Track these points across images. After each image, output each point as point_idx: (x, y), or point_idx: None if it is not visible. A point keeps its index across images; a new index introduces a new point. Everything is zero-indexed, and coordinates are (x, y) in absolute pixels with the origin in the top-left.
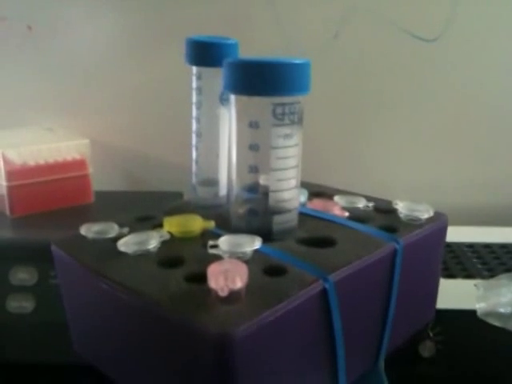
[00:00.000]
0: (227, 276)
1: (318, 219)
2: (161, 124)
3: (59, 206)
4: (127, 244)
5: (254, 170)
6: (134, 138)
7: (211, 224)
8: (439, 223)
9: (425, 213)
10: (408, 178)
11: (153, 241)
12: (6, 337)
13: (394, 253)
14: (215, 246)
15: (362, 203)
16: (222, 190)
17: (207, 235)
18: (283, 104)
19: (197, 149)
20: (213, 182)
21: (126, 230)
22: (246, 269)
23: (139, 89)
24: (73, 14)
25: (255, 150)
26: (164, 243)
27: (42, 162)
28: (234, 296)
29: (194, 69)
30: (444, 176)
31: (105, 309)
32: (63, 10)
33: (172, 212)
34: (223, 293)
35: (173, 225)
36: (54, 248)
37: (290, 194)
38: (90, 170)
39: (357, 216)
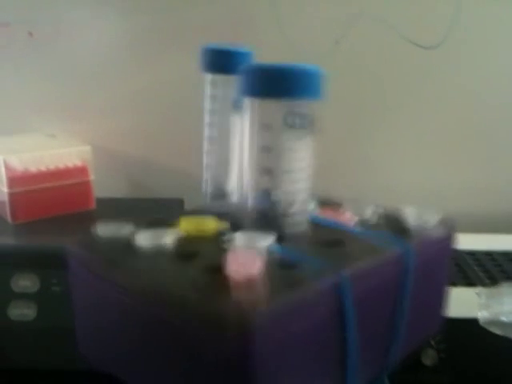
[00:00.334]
0: (244, 261)
1: (329, 226)
2: (163, 130)
3: (61, 212)
4: (144, 238)
5: (268, 172)
6: (137, 143)
7: (225, 225)
8: (448, 229)
9: (433, 218)
10: (410, 183)
11: (169, 236)
12: (8, 344)
13: (405, 256)
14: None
15: (370, 210)
16: (233, 196)
17: (221, 235)
18: (299, 107)
19: (210, 155)
20: (224, 188)
21: (129, 228)
22: (262, 257)
23: (141, 94)
24: (75, 19)
25: (268, 152)
26: (180, 240)
27: (43, 168)
28: (251, 282)
29: (209, 76)
30: (446, 182)
31: (120, 305)
32: (65, 15)
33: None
34: (239, 276)
35: (189, 223)
36: (68, 247)
37: (301, 196)
38: (92, 176)
39: (366, 222)
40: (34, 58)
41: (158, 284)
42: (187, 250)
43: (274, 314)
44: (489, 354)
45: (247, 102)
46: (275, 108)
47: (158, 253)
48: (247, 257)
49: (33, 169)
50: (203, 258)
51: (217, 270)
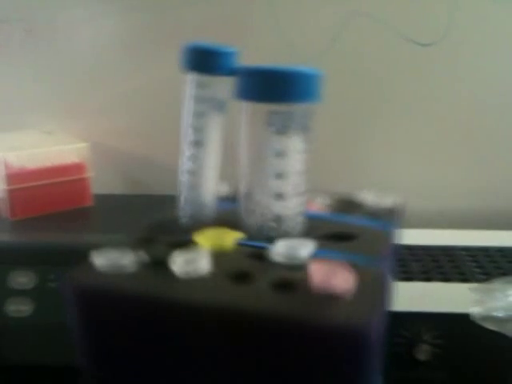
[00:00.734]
0: (332, 274)
1: (316, 219)
2: (160, 127)
3: (58, 209)
4: (180, 265)
5: (279, 176)
6: (134, 140)
7: (241, 235)
8: (399, 208)
9: (387, 200)
10: (406, 181)
11: (204, 258)
12: (5, 340)
13: (392, 235)
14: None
15: (326, 197)
16: (211, 202)
17: (243, 247)
18: (292, 110)
19: (196, 159)
20: (210, 193)
21: (142, 255)
22: (347, 267)
23: (139, 92)
24: (72, 17)
25: (283, 156)
26: (213, 259)
27: (41, 165)
28: (341, 293)
29: (195, 76)
30: (440, 179)
31: (179, 339)
32: (62, 13)
33: (163, 228)
34: (331, 289)
35: (207, 239)
36: (75, 287)
37: (303, 197)
38: (89, 173)
39: (335, 209)
40: (31, 55)
41: (249, 311)
42: (232, 270)
43: (375, 327)
44: (482, 348)
45: (244, 106)
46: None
47: (203, 278)
48: (334, 269)
49: (30, 166)
50: (257, 276)
51: (286, 286)
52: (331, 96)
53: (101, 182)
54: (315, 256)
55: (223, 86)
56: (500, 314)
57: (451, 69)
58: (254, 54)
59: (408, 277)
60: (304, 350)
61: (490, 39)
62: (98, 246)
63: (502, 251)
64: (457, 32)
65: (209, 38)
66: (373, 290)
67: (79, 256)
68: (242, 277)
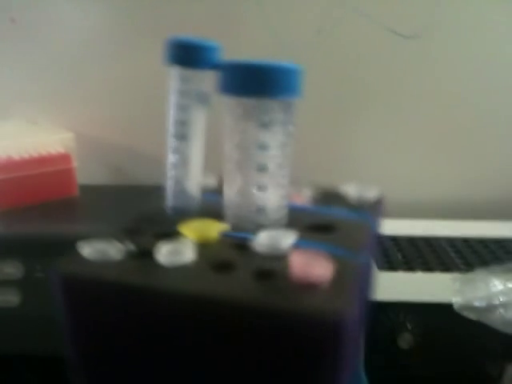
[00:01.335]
0: (312, 264)
1: (296, 210)
2: (145, 117)
3: (44, 199)
4: (165, 255)
5: (262, 168)
6: (119, 131)
7: (226, 227)
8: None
9: (370, 193)
10: (389, 173)
11: (188, 249)
12: None
13: (372, 226)
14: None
15: (309, 189)
16: (195, 193)
17: (227, 238)
18: (273, 105)
19: (181, 152)
20: (187, 186)
21: (129, 245)
22: (326, 257)
23: (124, 82)
24: (57, 6)
25: (264, 149)
26: (198, 249)
27: (26, 155)
28: (319, 282)
29: (178, 70)
30: (422, 170)
31: (161, 328)
32: (48, 3)
33: (149, 218)
34: (310, 279)
35: (193, 231)
36: (63, 276)
37: (286, 189)
38: (75, 163)
39: (318, 201)
40: (15, 45)
41: (224, 294)
42: (215, 260)
43: (353, 309)
44: (463, 337)
45: (226, 100)
46: (274, 106)
47: (186, 267)
48: (312, 258)
49: (15, 156)
50: (238, 266)
51: (266, 275)
52: (316, 89)
53: (85, 172)
54: (296, 246)
55: (206, 80)
56: (481, 304)
57: (435, 62)
58: (241, 48)
59: (391, 266)
60: (282, 338)
61: (476, 30)
62: (84, 237)
63: (484, 242)
64: (441, 23)
65: (195, 32)
66: (350, 279)
67: (66, 246)
68: (224, 266)
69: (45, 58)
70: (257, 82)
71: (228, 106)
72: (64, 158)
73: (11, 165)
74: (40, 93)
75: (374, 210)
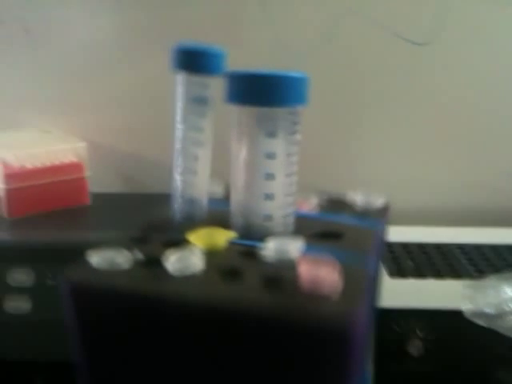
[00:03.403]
0: (320, 271)
1: (304, 217)
2: (157, 126)
3: (56, 207)
4: (174, 263)
5: (268, 177)
6: (132, 139)
7: (233, 234)
8: (385, 207)
9: (376, 200)
10: (397, 180)
11: (197, 257)
12: (4, 337)
13: (379, 232)
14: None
15: (316, 197)
16: (202, 201)
17: (235, 245)
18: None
19: (187, 160)
20: (203, 193)
21: (137, 253)
22: (334, 264)
23: (137, 91)
24: (69, 16)
25: (272, 158)
26: (206, 258)
27: (39, 164)
28: (328, 290)
29: (185, 76)
30: (434, 177)
31: (173, 338)
32: (59, 12)
33: (157, 227)
34: (318, 287)
35: (201, 239)
36: (72, 284)
37: (293, 197)
38: (87, 172)
39: (324, 208)
40: (29, 54)
41: (239, 308)
42: (225, 268)
43: (361, 317)
44: (474, 344)
45: (233, 108)
46: (280, 115)
47: (195, 276)
48: (321, 267)
49: (29, 165)
50: (247, 274)
51: (275, 283)
52: (322, 95)
53: (98, 181)
54: (304, 254)
55: (213, 87)
56: (491, 311)
57: (443, 67)
58: (245, 54)
59: (402, 273)
60: (291, 347)
61: (483, 37)
62: (95, 245)
63: (495, 248)
64: (450, 30)
65: (200, 37)
66: (359, 287)
67: (77, 254)
68: (233, 274)
69: (57, 68)
70: (263, 91)
71: (235, 115)
72: (76, 167)
73: (24, 174)
74: (52, 102)
75: (380, 216)
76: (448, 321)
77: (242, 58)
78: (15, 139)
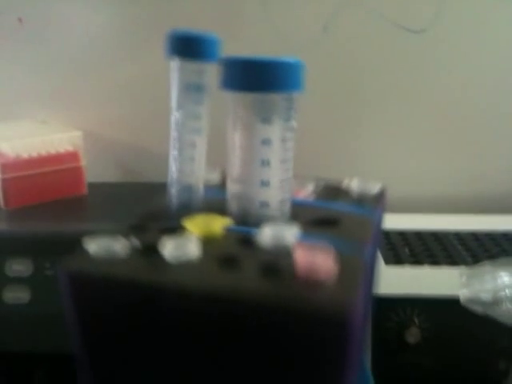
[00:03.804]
0: (316, 258)
1: (299, 204)
2: (154, 116)
3: (53, 197)
4: (170, 250)
5: (264, 163)
6: (127, 129)
7: (229, 221)
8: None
9: (373, 187)
10: (395, 168)
11: (193, 244)
12: (2, 327)
13: (375, 220)
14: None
15: (312, 184)
16: (198, 188)
17: (231, 232)
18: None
19: (182, 147)
20: (199, 181)
21: (134, 241)
22: (331, 252)
23: (132, 81)
24: (65, 5)
25: (267, 144)
26: (203, 245)
27: (35, 154)
28: (324, 277)
29: (178, 63)
30: (431, 166)
31: (170, 327)
32: (58, 4)
33: (154, 215)
34: (314, 274)
35: (197, 226)
36: (69, 273)
37: (289, 184)
38: (83, 161)
39: (320, 195)
40: (24, 45)
41: (239, 296)
42: (221, 256)
43: (358, 304)
44: (471, 331)
45: (229, 95)
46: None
47: (192, 263)
48: (317, 254)
49: (25, 155)
50: (242, 260)
51: (272, 271)
52: (321, 84)
53: (94, 171)
54: (301, 241)
55: (208, 73)
56: (488, 297)
57: (442, 57)
58: (245, 46)
59: (398, 261)
60: (289, 335)
61: (482, 26)
62: (92, 234)
63: (491, 235)
64: (448, 18)
65: (199, 29)
66: (356, 274)
67: (75, 244)
68: (229, 261)
69: (53, 57)
70: (258, 77)
71: (230, 101)
72: (72, 156)
73: (20, 163)
74: (48, 92)
75: (377, 204)
76: (445, 308)
77: (241, 51)
78: (11, 129)
